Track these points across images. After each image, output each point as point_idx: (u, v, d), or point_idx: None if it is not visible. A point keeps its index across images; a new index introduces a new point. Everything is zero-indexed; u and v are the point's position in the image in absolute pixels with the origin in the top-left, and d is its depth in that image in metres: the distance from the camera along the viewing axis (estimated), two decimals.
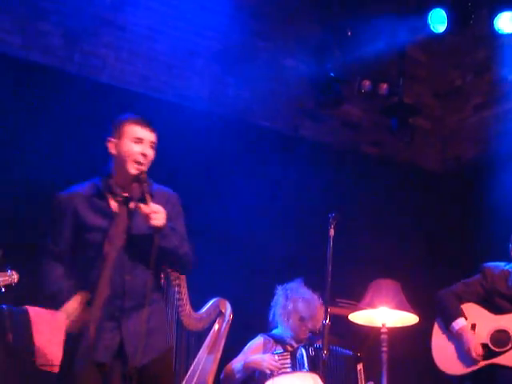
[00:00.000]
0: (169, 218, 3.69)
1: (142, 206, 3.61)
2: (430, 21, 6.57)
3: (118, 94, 5.98)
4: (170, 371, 3.95)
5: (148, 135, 3.75)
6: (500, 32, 6.55)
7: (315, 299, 5.26)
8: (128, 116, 3.82)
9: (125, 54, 6.17)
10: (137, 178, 3.68)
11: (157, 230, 3.58)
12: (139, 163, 3.68)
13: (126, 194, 3.71)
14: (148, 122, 3.79)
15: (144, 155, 3.70)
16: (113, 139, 3.76)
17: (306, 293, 5.29)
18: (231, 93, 6.61)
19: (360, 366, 5.19)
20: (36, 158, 5.50)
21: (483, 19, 6.63)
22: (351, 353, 5.24)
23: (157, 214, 3.59)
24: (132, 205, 3.70)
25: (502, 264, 5.17)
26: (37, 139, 5.54)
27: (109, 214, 3.70)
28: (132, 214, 3.69)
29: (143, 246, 3.62)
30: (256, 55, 6.73)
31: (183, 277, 4.55)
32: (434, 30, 6.62)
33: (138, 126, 3.74)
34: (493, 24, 6.47)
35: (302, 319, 5.19)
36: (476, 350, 4.96)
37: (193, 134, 6.02)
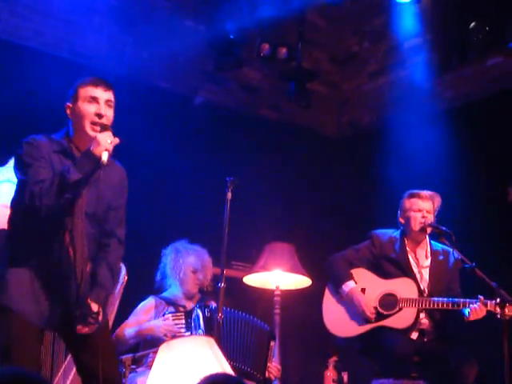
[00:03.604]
0: (115, 197, 3.75)
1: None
2: None
3: (11, 49, 5.82)
4: None
5: (102, 94, 3.65)
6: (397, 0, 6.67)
7: (204, 252, 5.35)
8: (83, 78, 3.72)
9: (19, 8, 5.97)
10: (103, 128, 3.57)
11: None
12: (95, 123, 3.60)
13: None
14: (102, 81, 3.69)
15: (99, 115, 3.61)
16: (70, 104, 3.68)
17: (195, 247, 5.36)
18: (129, 52, 6.49)
19: (273, 343, 5.24)
20: None
21: None
22: (268, 328, 5.26)
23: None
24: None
25: (389, 231, 5.33)
26: None
27: None
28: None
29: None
30: (155, 14, 6.62)
31: None
32: None
33: (90, 85, 3.65)
34: None
35: (194, 271, 5.24)
36: (369, 310, 5.09)
37: None
